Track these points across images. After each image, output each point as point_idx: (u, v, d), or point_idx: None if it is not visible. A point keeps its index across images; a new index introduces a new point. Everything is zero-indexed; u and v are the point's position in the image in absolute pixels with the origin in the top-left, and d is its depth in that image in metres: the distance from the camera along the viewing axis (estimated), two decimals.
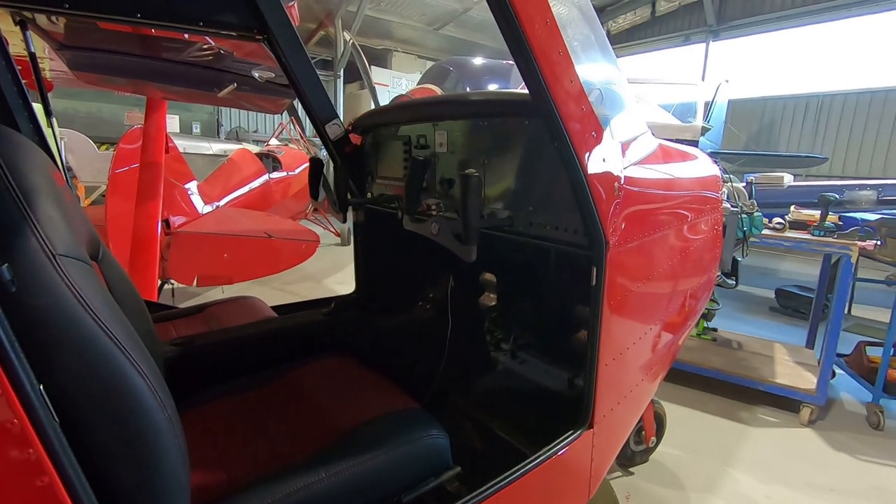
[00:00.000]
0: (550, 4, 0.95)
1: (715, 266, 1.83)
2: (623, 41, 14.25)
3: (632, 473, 2.60)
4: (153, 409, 0.68)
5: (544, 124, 1.04)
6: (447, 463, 1.10)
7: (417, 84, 6.41)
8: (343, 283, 6.07)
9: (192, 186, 4.55)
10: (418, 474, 1.06)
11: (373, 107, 7.90)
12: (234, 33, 1.79)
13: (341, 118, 1.95)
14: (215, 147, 9.71)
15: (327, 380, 1.33)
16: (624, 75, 1.38)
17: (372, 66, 13.41)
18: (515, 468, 1.11)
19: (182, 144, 9.30)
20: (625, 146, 1.21)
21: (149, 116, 3.00)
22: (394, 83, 14.01)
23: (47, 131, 1.91)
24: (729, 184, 2.32)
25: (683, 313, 1.65)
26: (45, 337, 0.62)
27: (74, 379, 0.64)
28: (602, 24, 14.39)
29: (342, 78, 14.40)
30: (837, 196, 3.43)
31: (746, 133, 11.61)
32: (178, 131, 11.08)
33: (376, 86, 12.74)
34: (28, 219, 0.65)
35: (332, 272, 6.49)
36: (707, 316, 4.10)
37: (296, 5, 2.01)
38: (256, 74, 2.40)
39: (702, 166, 1.74)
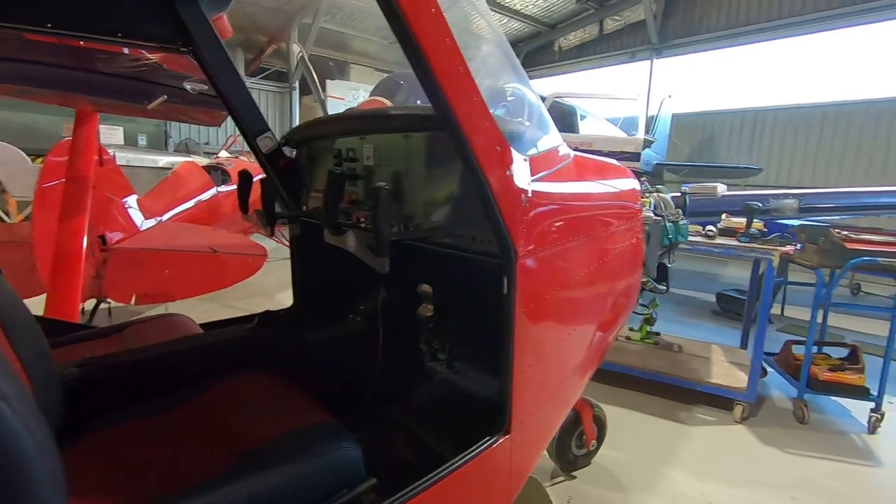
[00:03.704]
0: (450, 24, 0.99)
1: (637, 271, 1.92)
2: (573, 57, 14.79)
3: (574, 477, 2.66)
4: (17, 436, 0.65)
5: (450, 139, 1.07)
6: (360, 474, 1.09)
7: (369, 96, 6.43)
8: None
9: (131, 200, 4.38)
10: (329, 489, 1.05)
11: None
12: (156, 45, 1.75)
13: None
14: (163, 160, 9.38)
15: (242, 398, 1.30)
16: (534, 92, 1.45)
17: (328, 80, 13.37)
18: (429, 476, 1.12)
19: (126, 157, 8.96)
20: (534, 160, 1.27)
21: (78, 128, 2.87)
22: (351, 96, 13.96)
23: None
24: (655, 194, 2.45)
25: (607, 315, 1.71)
26: None
27: None
28: (553, 41, 14.91)
29: (297, 90, 14.29)
30: (761, 205, 3.66)
31: (689, 146, 12.22)
32: (122, 143, 10.63)
33: (333, 99, 12.69)
34: None
35: (286, 286, 6.35)
36: (649, 321, 4.28)
37: (225, 17, 1.99)
38: (188, 86, 2.35)
39: (619, 178, 1.83)
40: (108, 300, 3.98)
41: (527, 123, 1.35)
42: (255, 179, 1.86)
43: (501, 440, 1.27)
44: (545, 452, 2.67)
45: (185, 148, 12.59)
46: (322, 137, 1.82)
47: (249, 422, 1.19)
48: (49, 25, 1.51)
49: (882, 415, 3.30)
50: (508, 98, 1.30)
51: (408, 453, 1.67)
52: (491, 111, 1.11)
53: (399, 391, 1.86)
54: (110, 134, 10.02)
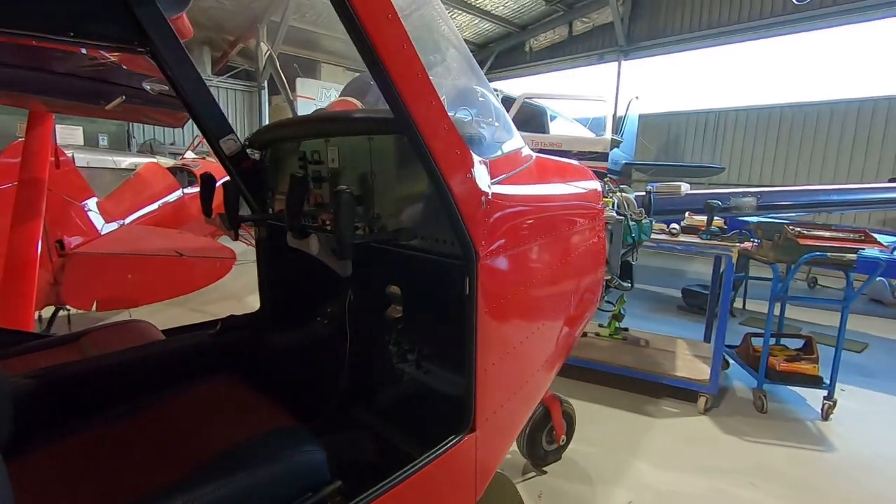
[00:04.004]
0: (407, 29, 1.01)
1: (599, 269, 1.98)
2: (544, 58, 14.98)
3: (545, 472, 2.71)
4: None
5: (409, 143, 1.09)
6: (324, 477, 1.10)
7: (339, 96, 6.36)
8: None
9: (91, 203, 4.22)
10: (293, 493, 1.04)
11: None
12: (112, 45, 1.70)
13: None
14: (126, 161, 9.07)
15: (204, 405, 1.28)
16: (495, 96, 1.48)
17: (299, 78, 13.17)
18: (395, 475, 1.13)
19: (86, 158, 8.63)
20: (494, 163, 1.29)
21: (31, 129, 2.75)
22: (322, 95, 13.79)
23: None
24: (618, 194, 2.51)
25: (570, 312, 1.76)
26: None
27: None
28: (524, 41, 15.07)
29: (266, 89, 14.04)
30: (721, 203, 3.79)
31: (656, 145, 12.54)
32: (82, 144, 10.24)
33: (303, 98, 12.50)
34: None
35: (256, 289, 6.25)
36: (618, 317, 4.38)
37: (185, 16, 1.95)
38: (148, 87, 2.29)
39: (580, 179, 1.88)
40: (67, 307, 3.84)
41: (487, 127, 1.38)
42: (219, 183, 1.83)
43: (467, 437, 1.29)
44: (516, 449, 2.71)
45: (149, 149, 12.19)
46: (286, 139, 1.80)
47: (211, 429, 1.18)
48: None
49: (834, 402, 3.47)
50: (469, 102, 1.32)
51: (376, 454, 1.67)
52: (451, 115, 1.12)
53: (367, 393, 1.86)
54: (69, 134, 9.66)
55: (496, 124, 1.43)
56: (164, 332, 1.88)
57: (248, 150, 1.97)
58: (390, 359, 1.89)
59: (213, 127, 1.85)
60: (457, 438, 1.27)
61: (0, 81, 2.27)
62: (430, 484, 1.21)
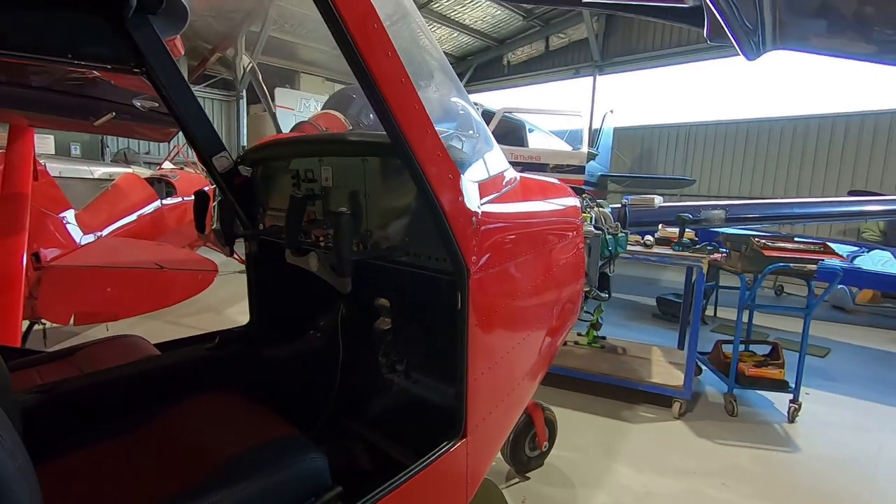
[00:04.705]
0: (405, 65, 1.09)
1: (579, 281, 2.09)
2: (521, 72, 15.32)
3: (528, 478, 2.79)
4: (1, 460, 0.68)
5: (405, 167, 1.17)
6: (326, 483, 1.16)
7: (321, 109, 6.43)
8: (246, 313, 5.83)
9: (69, 215, 4.17)
10: (296, 498, 1.10)
11: (274, 131, 7.74)
12: (108, 66, 1.74)
13: (245, 139, 1.96)
14: (99, 171, 8.90)
15: (205, 417, 1.33)
16: (482, 124, 1.58)
17: (278, 88, 13.13)
18: (390, 481, 1.19)
19: (58, 168, 8.44)
20: (482, 185, 1.39)
21: (12, 143, 2.73)
22: (301, 105, 13.77)
23: None
24: (596, 209, 2.64)
25: (553, 322, 1.86)
26: None
27: None
28: (502, 55, 15.39)
29: (244, 98, 13.95)
30: (691, 216, 3.98)
31: (631, 158, 12.92)
32: (53, 153, 10.00)
33: (282, 109, 12.47)
34: None
35: (235, 302, 6.18)
36: (596, 326, 4.52)
37: (178, 37, 2.00)
38: (137, 103, 2.32)
39: (561, 197, 1.99)
40: (43, 321, 3.77)
41: (477, 152, 1.47)
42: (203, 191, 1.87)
43: (458, 444, 1.36)
44: (500, 455, 2.79)
45: (123, 158, 11.96)
46: (280, 158, 1.87)
47: (215, 439, 1.22)
48: None
49: (799, 405, 3.65)
50: (461, 128, 1.42)
51: (370, 462, 1.73)
52: (444, 141, 1.21)
53: (360, 403, 1.92)
54: (40, 143, 9.40)
55: (485, 149, 1.53)
56: (157, 345, 1.90)
57: (241, 168, 2.02)
58: (380, 369, 1.95)
59: (206, 144, 1.89)
60: (449, 445, 1.34)
61: None
62: (424, 488, 1.28)
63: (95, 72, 2.09)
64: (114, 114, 2.29)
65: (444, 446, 1.34)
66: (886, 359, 5.40)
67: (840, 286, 7.30)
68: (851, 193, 8.75)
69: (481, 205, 1.35)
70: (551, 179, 2.02)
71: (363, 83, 1.05)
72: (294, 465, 1.12)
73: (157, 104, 2.37)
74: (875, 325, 6.85)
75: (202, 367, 1.71)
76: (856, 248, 7.49)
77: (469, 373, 1.36)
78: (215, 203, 1.77)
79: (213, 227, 1.86)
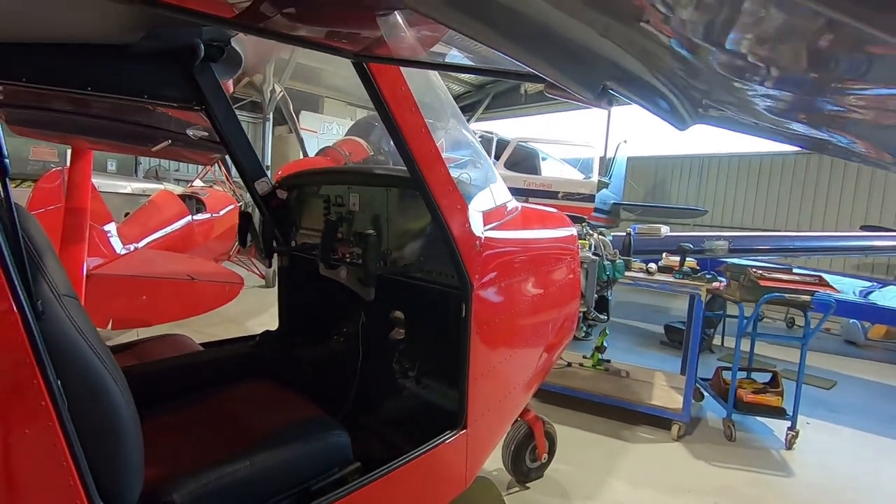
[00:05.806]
0: (424, 117, 1.37)
1: (574, 302, 2.31)
2: (537, 101, 15.74)
3: (528, 488, 2.95)
4: (121, 406, 0.94)
5: (422, 199, 1.44)
6: (348, 457, 1.39)
7: (345, 135, 6.82)
8: (265, 325, 6.10)
9: (112, 228, 4.53)
10: (323, 466, 1.33)
11: (301, 155, 8.18)
12: (175, 105, 2.06)
13: (269, 159, 2.26)
14: (132, 186, 9.41)
15: (246, 400, 1.58)
16: (489, 161, 1.85)
17: (302, 111, 13.73)
18: (399, 459, 1.42)
19: (96, 182, 8.95)
20: (486, 214, 1.65)
21: (74, 162, 3.09)
22: (324, 128, 14.34)
23: None
24: (595, 236, 2.87)
25: (548, 337, 2.09)
26: (57, 351, 0.88)
27: (73, 380, 0.90)
28: (519, 85, 15.85)
29: (271, 121, 14.57)
30: (692, 246, 4.17)
31: (644, 187, 13.11)
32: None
33: (306, 132, 13.00)
34: (42, 270, 0.92)
35: (255, 314, 6.49)
36: (600, 349, 4.68)
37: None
38: (190, 133, 2.64)
39: (559, 227, 2.24)
40: None
41: (482, 186, 1.74)
42: (227, 209, 2.17)
43: (459, 433, 1.59)
44: (502, 466, 2.97)
45: (154, 174, 12.58)
46: (314, 185, 2.15)
47: (255, 417, 1.47)
48: (89, 88, 1.81)
49: (797, 432, 3.75)
50: (470, 167, 1.69)
51: (384, 449, 1.96)
52: (455, 178, 1.48)
53: (375, 401, 2.16)
54: None
55: (490, 184, 1.80)
56: (202, 345, 2.18)
57: (278, 191, 2.32)
58: (394, 373, 2.19)
59: (250, 170, 2.20)
60: (452, 433, 1.57)
61: (62, 126, 2.61)
62: (430, 467, 1.50)
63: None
64: (170, 141, 2.61)
65: (447, 434, 1.56)
66: (892, 393, 5.42)
67: (852, 321, 7.32)
68: (864, 228, 8.80)
69: (485, 231, 1.60)
70: (551, 210, 2.27)
71: (391, 131, 1.33)
72: (322, 438, 1.36)
73: (206, 133, 2.69)
74: (887, 361, 6.83)
75: (242, 361, 1.98)
76: (870, 284, 7.51)
77: (470, 373, 1.59)
78: (259, 222, 2.06)
79: (251, 243, 2.14)
